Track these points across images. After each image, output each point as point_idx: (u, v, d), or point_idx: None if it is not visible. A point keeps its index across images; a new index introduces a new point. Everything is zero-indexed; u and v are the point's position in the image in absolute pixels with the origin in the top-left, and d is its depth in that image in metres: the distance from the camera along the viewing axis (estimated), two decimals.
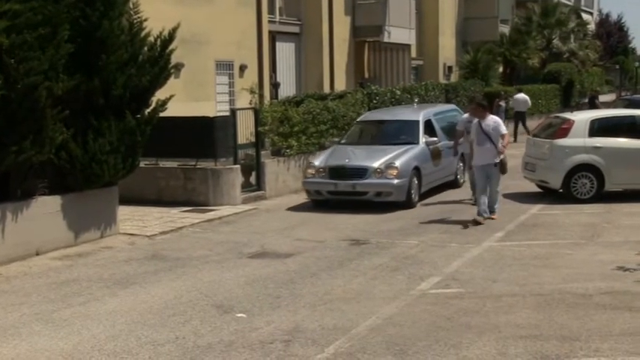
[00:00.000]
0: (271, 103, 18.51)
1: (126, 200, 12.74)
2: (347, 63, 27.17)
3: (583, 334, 6.90)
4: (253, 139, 15.27)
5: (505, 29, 36.63)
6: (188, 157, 14.53)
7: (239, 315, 7.73)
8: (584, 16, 48.75)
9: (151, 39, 12.06)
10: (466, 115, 14.32)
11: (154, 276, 9.40)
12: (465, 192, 15.09)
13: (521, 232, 11.73)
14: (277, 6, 24.27)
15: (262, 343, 6.88)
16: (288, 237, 11.58)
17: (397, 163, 13.80)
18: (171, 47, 12.16)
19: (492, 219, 12.39)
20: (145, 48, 11.96)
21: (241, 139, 15.07)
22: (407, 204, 13.83)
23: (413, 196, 14.03)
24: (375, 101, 19.53)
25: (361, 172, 13.81)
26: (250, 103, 16.76)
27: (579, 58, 39.11)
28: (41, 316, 7.81)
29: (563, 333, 6.95)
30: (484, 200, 12.38)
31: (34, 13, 9.87)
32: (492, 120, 12.56)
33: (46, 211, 10.72)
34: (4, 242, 10.03)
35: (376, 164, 13.83)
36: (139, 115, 11.84)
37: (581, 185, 14.17)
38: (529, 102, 27.11)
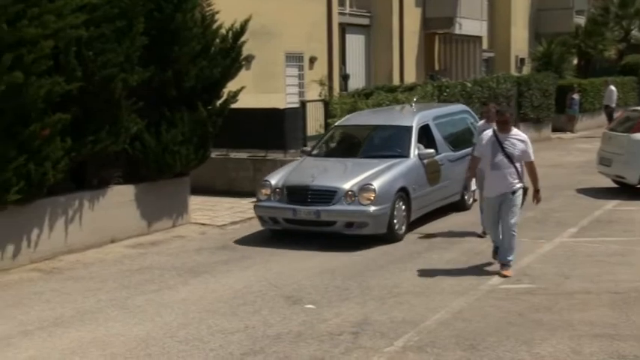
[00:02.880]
0: (341, 95, 18.52)
1: (197, 190, 12.94)
2: (417, 55, 26.95)
3: None
4: (323, 131, 15.30)
5: (580, 20, 35.74)
6: (258, 149, 14.66)
7: (308, 306, 7.79)
8: None
9: (223, 31, 12.22)
10: (482, 123, 11.17)
11: (225, 266, 9.53)
12: (474, 216, 11.55)
13: (595, 228, 11.45)
14: None
15: (331, 334, 6.91)
16: None
17: (375, 184, 10.49)
18: (242, 39, 12.30)
19: (504, 276, 8.73)
20: (217, 40, 12.13)
21: (310, 130, 15.13)
22: (389, 237, 10.56)
23: (397, 226, 10.67)
24: (445, 94, 19.33)
25: (328, 195, 10.50)
26: (320, 95, 16.83)
27: None
28: (116, 302, 8.02)
29: None
30: (497, 237, 9.04)
31: (112, 7, 10.12)
32: (519, 137, 8.86)
33: (120, 200, 10.99)
34: (81, 229, 10.34)
35: (348, 185, 10.52)
36: (210, 107, 12.02)
37: None
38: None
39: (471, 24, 28.06)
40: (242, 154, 14.85)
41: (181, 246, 10.75)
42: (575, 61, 34.68)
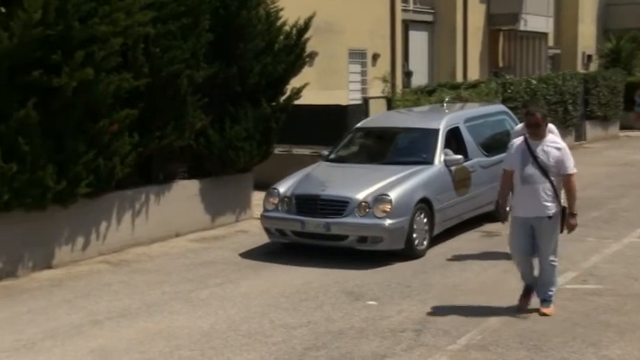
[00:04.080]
0: (403, 92, 18.46)
1: (259, 186, 12.99)
2: (481, 52, 26.65)
3: None
4: None
5: None
6: (321, 145, 14.63)
7: (370, 302, 7.79)
8: None
9: (287, 28, 12.28)
10: (520, 126, 9.06)
11: (286, 261, 9.57)
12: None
13: None
14: None
15: (393, 331, 6.90)
16: None
17: (392, 195, 9.46)
18: (306, 36, 12.35)
19: (544, 314, 7.26)
20: (281, 37, 12.20)
21: None
22: (407, 253, 9.52)
23: (417, 242, 9.62)
24: (509, 91, 19.06)
25: (339, 207, 9.51)
26: (383, 92, 16.78)
27: None
28: (181, 295, 8.16)
29: None
30: (530, 271, 7.49)
31: (178, 4, 10.28)
32: (555, 144, 7.28)
33: (185, 194, 11.16)
34: (147, 223, 10.54)
35: (362, 195, 9.50)
36: (273, 103, 12.10)
37: None
38: None
39: (537, 20, 27.62)
40: (304, 150, 14.90)
41: (244, 241, 10.84)
42: None
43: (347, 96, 19.89)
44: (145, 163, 10.62)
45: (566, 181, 7.21)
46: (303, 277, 8.76)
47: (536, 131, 7.22)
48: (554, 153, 7.18)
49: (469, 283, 8.47)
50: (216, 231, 11.38)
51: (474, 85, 19.05)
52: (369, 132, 11.90)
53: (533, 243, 7.31)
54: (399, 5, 22.24)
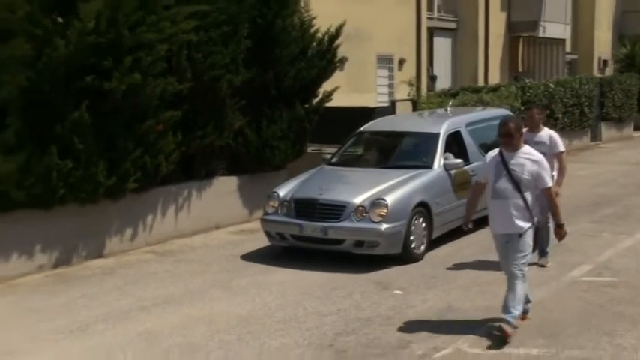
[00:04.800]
0: (428, 95, 18.42)
1: None
2: (501, 57, 26.45)
3: None
4: None
5: None
6: None
7: (396, 292, 7.83)
8: None
9: (319, 35, 12.35)
10: (524, 132, 8.02)
11: (318, 252, 9.62)
12: None
13: None
14: (436, 3, 24.02)
15: (418, 319, 6.93)
16: None
17: (388, 200, 8.98)
18: (337, 42, 12.41)
19: (505, 335, 6.30)
20: (314, 43, 12.28)
21: None
22: (405, 257, 9.06)
23: (414, 245, 9.15)
24: (528, 94, 18.94)
25: (337, 211, 9.05)
26: (409, 95, 16.76)
27: None
28: (221, 284, 8.27)
29: None
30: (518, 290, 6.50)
31: (219, 14, 10.38)
32: (530, 156, 6.49)
33: (224, 190, 11.28)
34: (189, 216, 10.67)
35: (359, 199, 9.04)
36: (307, 105, 12.19)
37: None
38: None
39: (555, 27, 27.33)
40: (335, 150, 14.89)
41: None
42: None
43: (375, 98, 19.86)
44: (188, 160, 10.75)
45: (544, 195, 6.50)
46: (334, 267, 8.81)
47: (508, 141, 6.46)
48: (529, 166, 6.39)
49: (490, 274, 8.42)
50: (253, 224, 11.43)
51: (495, 89, 18.95)
52: (372, 136, 11.30)
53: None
54: (424, 14, 22.15)
